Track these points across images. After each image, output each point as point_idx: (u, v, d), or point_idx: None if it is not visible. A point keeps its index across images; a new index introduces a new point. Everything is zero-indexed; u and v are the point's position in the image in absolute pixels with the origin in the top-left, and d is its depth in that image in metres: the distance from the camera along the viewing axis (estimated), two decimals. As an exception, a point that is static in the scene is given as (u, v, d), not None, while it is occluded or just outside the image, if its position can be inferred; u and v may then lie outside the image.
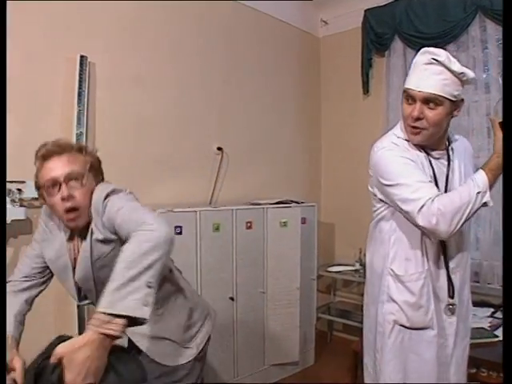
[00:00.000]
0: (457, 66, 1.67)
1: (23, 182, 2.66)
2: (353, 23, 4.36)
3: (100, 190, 1.69)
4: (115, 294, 1.28)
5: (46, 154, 1.69)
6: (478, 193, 1.66)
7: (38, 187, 1.72)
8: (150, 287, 1.32)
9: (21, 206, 2.67)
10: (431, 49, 1.72)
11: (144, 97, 3.27)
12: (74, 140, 2.91)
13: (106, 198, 1.63)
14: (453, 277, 1.84)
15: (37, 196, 2.06)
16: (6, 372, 1.55)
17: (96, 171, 1.83)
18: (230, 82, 3.88)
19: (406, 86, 1.81)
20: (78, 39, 2.99)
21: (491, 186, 1.69)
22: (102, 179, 1.89)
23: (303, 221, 3.62)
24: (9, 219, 2.60)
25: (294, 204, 3.63)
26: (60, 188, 1.62)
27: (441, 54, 1.69)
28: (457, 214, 1.64)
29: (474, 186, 1.68)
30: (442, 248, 1.83)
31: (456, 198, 1.67)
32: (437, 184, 1.80)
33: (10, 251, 2.79)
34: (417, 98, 1.74)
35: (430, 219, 1.65)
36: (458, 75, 1.68)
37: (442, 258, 1.84)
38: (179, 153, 3.51)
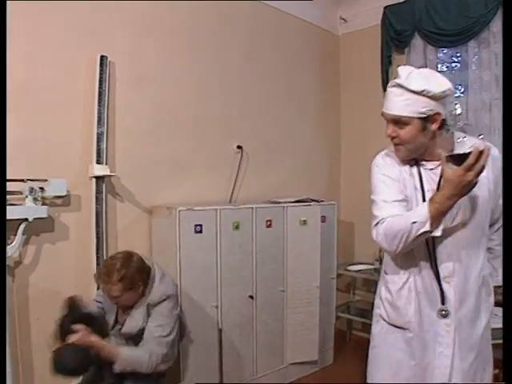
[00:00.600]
0: (416, 86, 1.69)
1: (45, 180, 2.69)
2: (372, 20, 4.34)
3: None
4: None
5: None
6: (414, 222, 1.70)
7: None
8: None
9: (43, 204, 2.68)
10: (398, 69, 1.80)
11: (164, 96, 3.29)
12: (94, 139, 2.94)
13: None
14: (446, 285, 1.83)
15: (59, 194, 2.53)
16: (5, 371, 1.68)
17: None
18: (250, 81, 3.88)
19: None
20: (98, 39, 3.02)
21: (436, 218, 1.70)
22: None
23: (323, 219, 3.61)
24: (31, 217, 2.63)
25: (313, 203, 3.61)
26: None
27: (401, 75, 1.75)
28: (395, 238, 1.75)
29: (411, 215, 1.75)
30: (429, 256, 1.85)
31: (397, 223, 1.76)
32: (424, 194, 1.83)
33: (31, 249, 2.83)
34: (387, 119, 1.82)
35: (378, 238, 1.83)
36: (420, 93, 1.69)
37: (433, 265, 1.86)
38: (199, 151, 3.52)
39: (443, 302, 1.83)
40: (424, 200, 1.79)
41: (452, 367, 1.84)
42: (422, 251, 1.85)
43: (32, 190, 2.61)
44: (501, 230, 1.94)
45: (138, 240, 2.98)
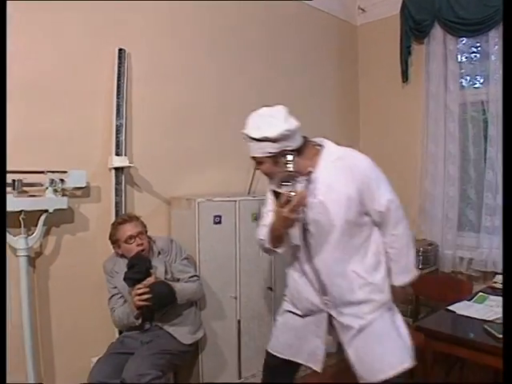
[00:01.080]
0: (257, 135, 1.99)
1: (65, 172, 2.71)
2: (391, 10, 4.30)
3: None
4: None
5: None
6: (260, 239, 2.21)
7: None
8: None
9: (63, 195, 2.70)
10: None
11: (183, 88, 3.29)
12: (114, 131, 2.96)
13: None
14: (324, 280, 2.12)
15: (78, 186, 2.66)
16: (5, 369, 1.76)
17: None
18: (269, 72, 3.88)
19: None
20: (117, 32, 3.03)
21: (272, 240, 2.14)
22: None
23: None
24: (51, 208, 2.65)
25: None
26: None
27: (247, 126, 2.06)
28: (259, 245, 2.27)
29: (260, 231, 2.22)
30: (306, 255, 2.16)
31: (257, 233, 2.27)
32: None
33: (52, 240, 2.86)
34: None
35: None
36: (263, 141, 1.98)
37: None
38: (218, 143, 3.53)
39: (325, 293, 2.13)
40: None
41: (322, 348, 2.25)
42: (302, 252, 2.16)
43: (52, 181, 2.64)
44: (395, 236, 2.11)
45: (157, 231, 2.99)
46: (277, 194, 1.98)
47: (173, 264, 2.79)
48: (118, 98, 2.97)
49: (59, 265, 2.88)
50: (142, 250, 2.69)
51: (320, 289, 2.15)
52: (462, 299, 2.86)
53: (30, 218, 2.63)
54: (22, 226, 2.59)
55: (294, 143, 2.02)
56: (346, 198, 2.02)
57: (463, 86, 4.07)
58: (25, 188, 2.64)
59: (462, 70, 4.08)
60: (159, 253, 2.79)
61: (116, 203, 2.96)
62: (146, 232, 2.80)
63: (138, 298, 2.51)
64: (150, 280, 2.57)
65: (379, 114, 4.52)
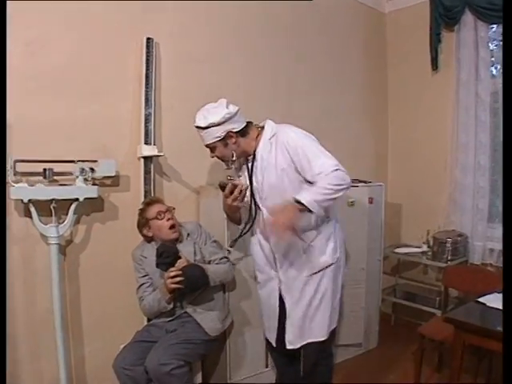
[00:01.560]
0: (203, 123, 2.32)
1: (95, 161, 2.72)
2: (420, -3, 4.22)
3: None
4: None
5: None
6: None
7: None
8: None
9: (93, 184, 2.72)
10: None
11: (211, 76, 3.28)
12: (142, 120, 2.97)
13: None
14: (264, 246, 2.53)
15: (108, 175, 2.74)
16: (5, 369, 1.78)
17: None
18: (296, 61, 3.84)
19: None
20: (144, 21, 3.03)
21: (231, 221, 2.74)
22: None
23: (370, 201, 3.54)
24: (82, 197, 2.67)
25: (361, 184, 3.56)
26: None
27: (196, 120, 2.37)
28: None
29: None
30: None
31: None
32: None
33: (82, 228, 2.88)
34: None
35: None
36: (209, 127, 2.32)
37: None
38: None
39: (273, 251, 2.48)
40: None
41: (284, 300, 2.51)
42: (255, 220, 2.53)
43: (82, 170, 2.65)
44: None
45: (186, 220, 2.99)
46: (222, 187, 2.38)
47: (203, 246, 2.84)
48: (146, 87, 2.97)
49: (89, 253, 2.91)
50: (173, 227, 2.73)
51: (271, 256, 2.50)
52: (492, 291, 2.81)
53: (61, 207, 2.66)
54: (53, 214, 2.62)
55: (237, 125, 2.36)
56: (281, 169, 2.35)
57: (494, 75, 3.98)
58: (55, 177, 2.66)
59: (493, 58, 3.99)
60: (188, 235, 2.83)
61: (145, 192, 2.97)
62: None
63: (170, 280, 2.53)
64: (181, 262, 2.61)
65: (408, 103, 4.45)
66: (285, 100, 3.68)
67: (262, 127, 2.48)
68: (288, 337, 2.51)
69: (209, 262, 2.80)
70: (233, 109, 2.36)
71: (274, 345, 2.63)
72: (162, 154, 2.98)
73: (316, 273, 2.46)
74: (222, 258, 2.83)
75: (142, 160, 2.96)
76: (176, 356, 2.45)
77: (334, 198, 2.26)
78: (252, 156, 2.45)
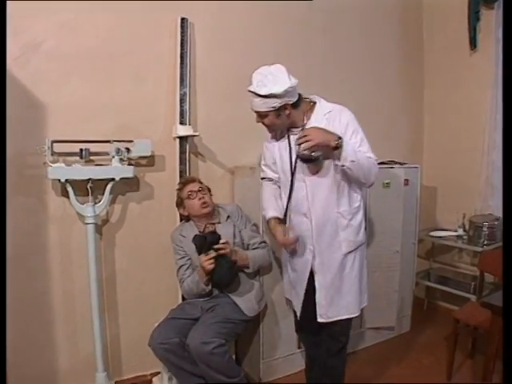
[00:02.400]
0: (263, 91, 2.21)
1: (131, 141, 2.73)
2: (458, -26, 4.08)
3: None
4: None
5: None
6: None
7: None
8: None
9: (129, 164, 2.74)
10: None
11: (245, 55, 3.24)
12: (178, 100, 2.96)
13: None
14: (305, 219, 2.45)
15: (144, 155, 2.76)
16: (5, 372, 1.83)
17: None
18: (331, 45, 3.78)
19: None
20: (179, 1, 3.01)
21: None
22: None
23: (406, 183, 3.47)
24: (117, 177, 2.70)
25: (397, 165, 3.50)
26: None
27: (253, 83, 2.26)
28: None
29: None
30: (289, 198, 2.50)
31: None
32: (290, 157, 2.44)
33: (117, 208, 2.92)
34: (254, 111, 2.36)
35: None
36: (268, 97, 2.21)
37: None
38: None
39: (311, 227, 2.42)
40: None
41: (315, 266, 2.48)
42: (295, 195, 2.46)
43: (118, 150, 2.67)
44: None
45: (221, 199, 3.00)
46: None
47: (243, 229, 2.84)
48: (181, 67, 2.97)
49: (124, 232, 2.95)
50: (204, 203, 2.73)
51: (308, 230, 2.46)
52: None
53: (97, 187, 2.69)
54: (90, 194, 2.64)
55: (294, 98, 2.30)
56: None
57: (534, 55, 3.85)
58: (92, 157, 2.69)
59: (533, 37, 3.85)
60: (228, 217, 2.83)
61: (180, 172, 2.98)
62: (210, 194, 2.85)
63: (207, 262, 2.53)
64: (223, 241, 2.60)
65: (445, 83, 4.33)
66: (318, 83, 3.60)
67: (314, 102, 2.43)
68: (319, 310, 2.50)
69: (247, 246, 2.81)
70: (294, 82, 2.27)
71: (299, 315, 2.64)
72: (197, 133, 2.98)
73: (351, 251, 2.47)
74: (260, 243, 2.83)
75: (178, 140, 2.96)
76: (217, 335, 2.48)
77: (362, 177, 2.31)
78: (300, 129, 2.37)
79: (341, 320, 2.51)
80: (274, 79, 2.22)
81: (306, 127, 2.34)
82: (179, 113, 2.95)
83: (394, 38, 4.24)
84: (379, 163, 3.39)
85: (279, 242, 2.52)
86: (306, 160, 2.27)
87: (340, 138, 2.17)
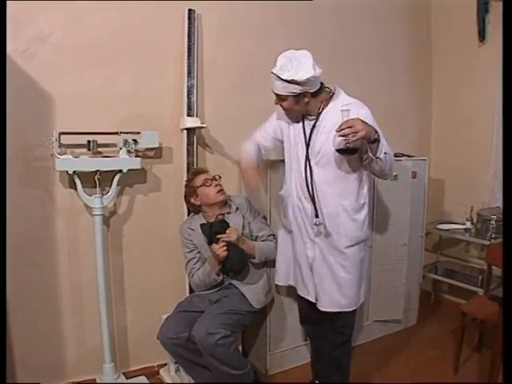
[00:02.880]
0: (286, 76, 2.22)
1: (138, 132, 2.73)
2: (467, -36, 4.04)
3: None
4: None
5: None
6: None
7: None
8: None
9: (136, 156, 2.74)
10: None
11: (253, 47, 3.24)
12: (185, 92, 2.96)
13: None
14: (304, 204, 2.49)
15: (151, 146, 2.76)
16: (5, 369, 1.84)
17: None
18: (340, 34, 3.75)
19: None
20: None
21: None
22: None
23: (413, 175, 3.46)
24: (125, 169, 2.70)
25: (404, 157, 3.49)
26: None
27: (277, 65, 2.26)
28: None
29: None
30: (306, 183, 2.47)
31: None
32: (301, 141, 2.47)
33: (125, 200, 2.92)
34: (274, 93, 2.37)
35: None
36: (290, 82, 2.23)
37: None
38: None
39: (316, 215, 2.43)
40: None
41: (314, 257, 2.51)
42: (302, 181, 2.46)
43: (126, 142, 2.66)
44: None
45: (229, 191, 2.98)
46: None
47: (252, 221, 2.84)
48: (188, 58, 2.96)
49: (132, 224, 2.96)
50: (220, 190, 2.76)
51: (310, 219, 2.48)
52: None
53: (105, 178, 2.69)
54: (98, 185, 2.65)
55: (315, 87, 2.32)
56: None
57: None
58: (99, 149, 2.69)
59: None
60: (237, 208, 2.83)
61: (188, 164, 2.97)
62: None
63: (221, 250, 2.55)
64: (231, 230, 2.62)
65: (453, 75, 4.30)
66: (328, 74, 3.60)
67: (333, 93, 2.45)
68: (318, 298, 2.54)
69: (256, 238, 2.81)
70: (318, 72, 2.27)
71: (314, 301, 2.59)
72: (204, 125, 2.97)
73: (351, 246, 2.47)
74: (269, 235, 2.83)
75: (185, 132, 2.95)
76: (223, 326, 2.47)
77: (388, 168, 2.33)
78: (315, 117, 2.41)
79: (342, 313, 2.53)
80: (298, 65, 2.22)
81: (322, 115, 2.39)
82: (187, 104, 2.94)
83: (401, 30, 4.21)
84: (387, 156, 3.41)
85: (246, 179, 2.62)
86: (347, 151, 2.20)
87: (377, 131, 2.18)
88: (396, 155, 3.45)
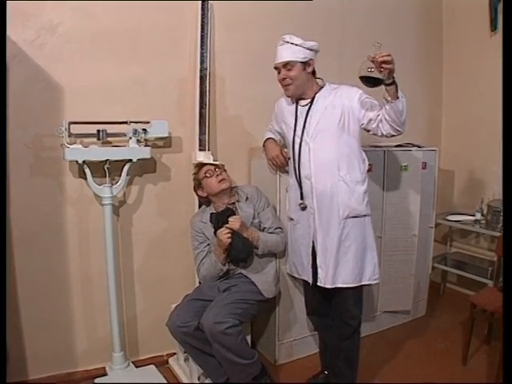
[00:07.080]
0: (295, 41, 2.42)
1: (148, 122, 2.73)
2: (479, -48, 3.99)
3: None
4: None
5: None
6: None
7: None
8: None
9: (146, 145, 2.74)
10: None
11: (264, 36, 3.18)
12: (197, 81, 2.96)
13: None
14: (303, 184, 2.56)
15: (161, 136, 2.75)
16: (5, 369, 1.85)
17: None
18: (349, 25, 3.72)
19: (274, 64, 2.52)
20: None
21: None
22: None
23: (423, 166, 3.43)
24: (135, 158, 2.70)
25: (414, 148, 3.45)
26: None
27: (285, 36, 2.45)
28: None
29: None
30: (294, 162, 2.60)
31: None
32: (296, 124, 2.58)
33: (135, 189, 2.93)
34: (279, 66, 2.48)
35: None
36: (299, 45, 2.41)
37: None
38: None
39: (301, 197, 2.57)
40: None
41: (316, 239, 2.56)
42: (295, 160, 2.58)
43: (135, 131, 2.66)
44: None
45: (238, 181, 3.00)
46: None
47: (261, 211, 2.83)
48: (201, 48, 2.95)
49: (141, 214, 2.96)
50: (222, 180, 2.74)
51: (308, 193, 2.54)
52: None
53: (115, 168, 2.69)
54: (107, 175, 2.65)
55: (314, 61, 2.51)
56: (337, 111, 2.47)
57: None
58: (109, 138, 2.69)
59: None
60: (247, 198, 2.83)
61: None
62: (225, 171, 2.85)
63: (224, 235, 2.55)
64: (236, 217, 2.63)
65: (464, 66, 4.25)
66: (336, 64, 3.59)
67: (324, 84, 2.60)
68: (320, 274, 2.55)
69: (263, 229, 2.80)
70: (316, 47, 2.49)
71: (310, 282, 2.64)
72: (217, 162, 2.92)
73: (350, 218, 2.50)
74: (276, 228, 2.82)
75: (197, 121, 2.95)
76: (231, 315, 2.47)
77: (404, 115, 2.40)
78: (310, 100, 2.53)
79: (349, 304, 2.57)
80: (302, 39, 2.45)
81: (315, 98, 2.53)
82: (199, 94, 2.94)
83: (413, 20, 4.17)
84: (396, 145, 3.39)
85: (271, 155, 2.78)
86: (375, 81, 2.21)
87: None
88: (406, 145, 3.45)
